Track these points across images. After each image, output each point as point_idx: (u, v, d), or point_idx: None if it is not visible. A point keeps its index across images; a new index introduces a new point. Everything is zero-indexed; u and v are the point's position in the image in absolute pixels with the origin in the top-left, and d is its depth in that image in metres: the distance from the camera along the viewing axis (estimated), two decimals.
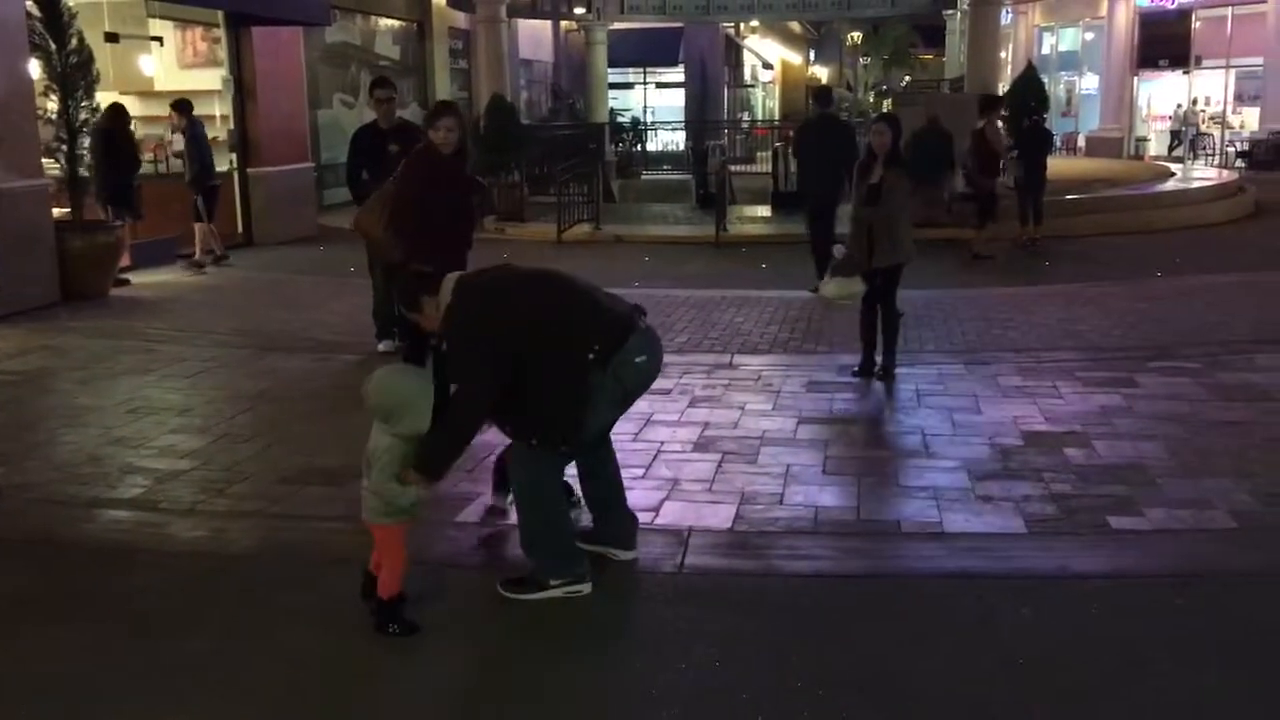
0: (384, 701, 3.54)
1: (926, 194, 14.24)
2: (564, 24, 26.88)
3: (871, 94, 38.21)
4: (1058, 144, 24.60)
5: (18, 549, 4.76)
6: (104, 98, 11.22)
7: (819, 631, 3.92)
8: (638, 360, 4.10)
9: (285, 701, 3.55)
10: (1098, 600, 4.12)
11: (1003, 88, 17.98)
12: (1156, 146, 28.85)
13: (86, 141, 10.58)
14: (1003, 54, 24.94)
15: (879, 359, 7.30)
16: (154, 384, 7.39)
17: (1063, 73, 31.38)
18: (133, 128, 11.99)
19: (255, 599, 4.24)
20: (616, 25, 24.65)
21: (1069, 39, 31.93)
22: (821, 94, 12.74)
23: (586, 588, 4.20)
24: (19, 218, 9.84)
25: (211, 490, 5.36)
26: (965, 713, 3.43)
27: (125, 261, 11.39)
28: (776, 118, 37.49)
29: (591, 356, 3.95)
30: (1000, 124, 14.07)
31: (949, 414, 6.45)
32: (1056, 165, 14.93)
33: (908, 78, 38.54)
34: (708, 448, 5.88)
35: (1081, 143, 29.16)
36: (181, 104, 12.44)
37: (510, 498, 4.69)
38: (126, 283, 11.23)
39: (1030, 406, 6.54)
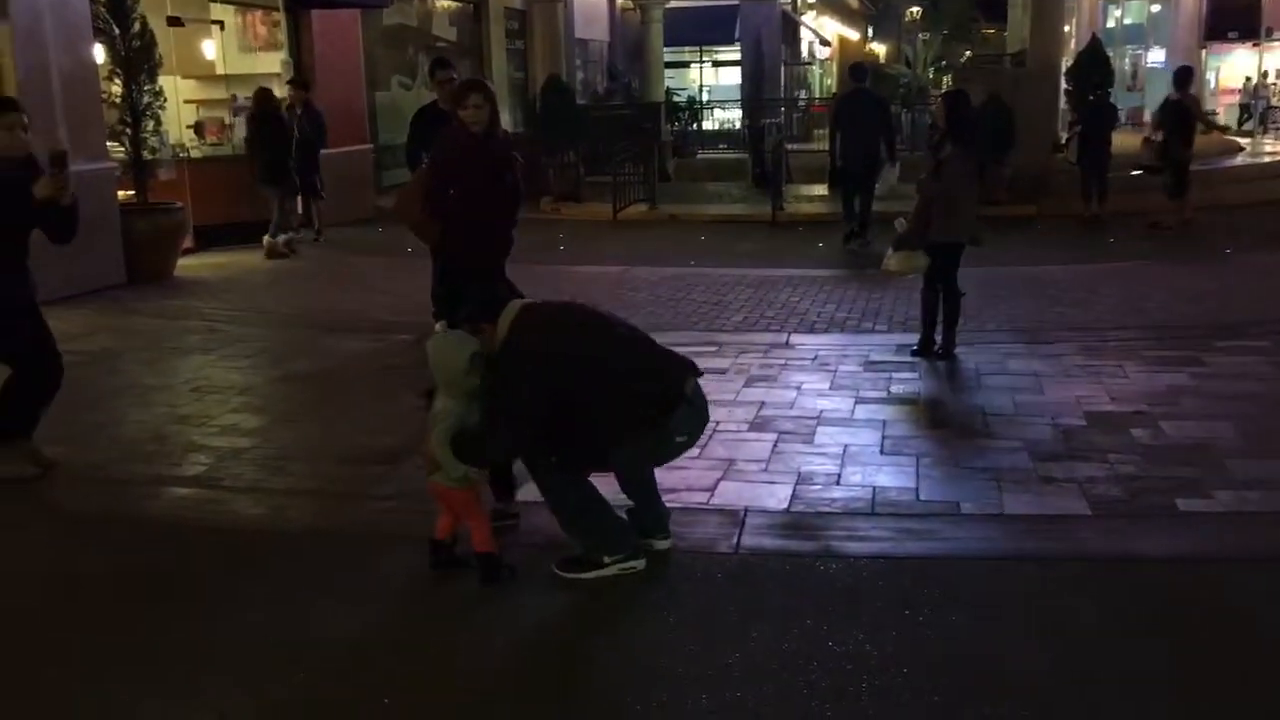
0: (434, 679, 3.55)
1: (986, 171, 14.02)
2: (619, 2, 26.76)
3: (931, 70, 37.61)
4: (1123, 119, 24.07)
5: (83, 526, 4.87)
6: (165, 81, 11.37)
7: (875, 615, 3.87)
8: (677, 440, 4.22)
9: (339, 676, 3.59)
10: (1163, 585, 4.04)
11: (1066, 62, 17.58)
12: (1225, 120, 28.13)
13: (151, 124, 10.76)
14: (1066, 28, 24.36)
15: (939, 338, 7.21)
16: (216, 363, 7.50)
17: (1128, 46, 30.69)
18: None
19: (311, 576, 4.28)
20: (672, 3, 24.45)
21: (1135, 11, 31.23)
22: (856, 69, 13.24)
23: (641, 563, 4.20)
24: (85, 200, 9.92)
25: (271, 468, 5.42)
26: (1023, 697, 3.37)
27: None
28: (834, 95, 37.10)
29: (640, 414, 4.03)
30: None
31: (1010, 394, 6.35)
32: (1122, 141, 14.61)
33: (968, 52, 37.90)
34: (764, 427, 5.84)
35: (1147, 118, 28.46)
36: (302, 81, 12.81)
37: (514, 501, 4.66)
38: (286, 256, 12.00)
39: (1095, 386, 6.41)
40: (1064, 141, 15.76)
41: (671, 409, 4.08)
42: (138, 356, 7.76)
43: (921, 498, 4.90)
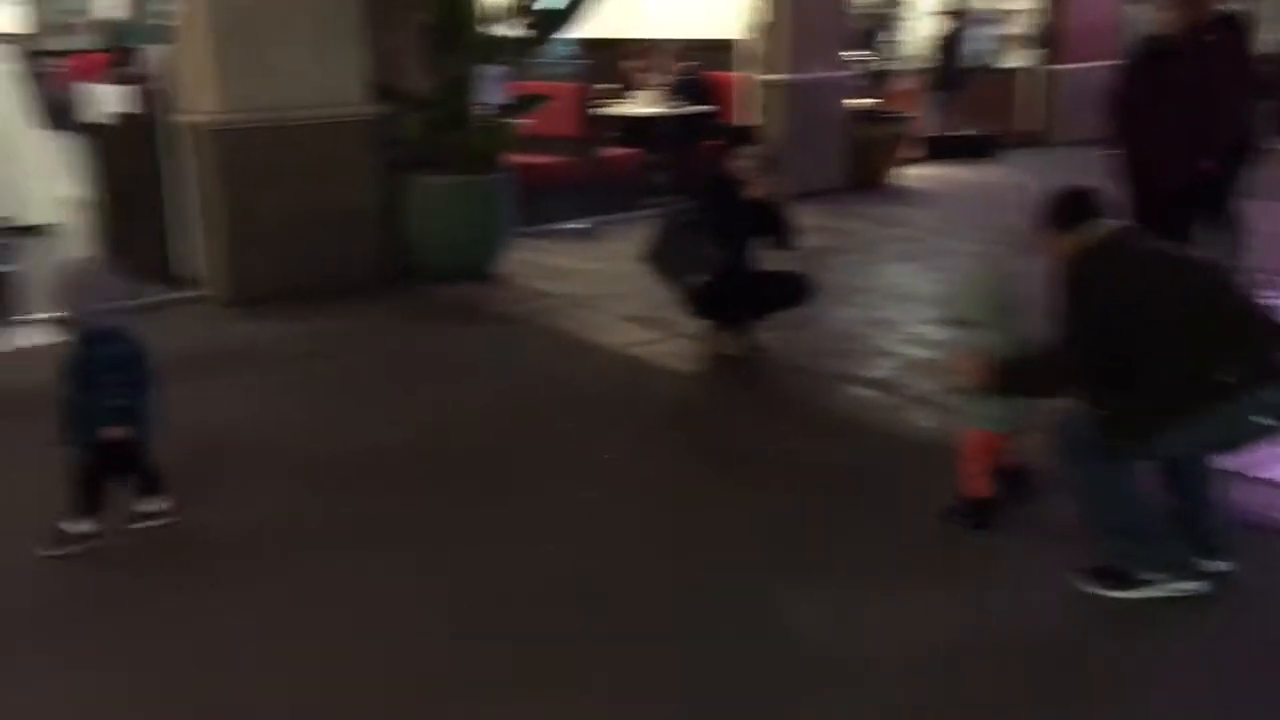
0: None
1: None
2: None
3: None
4: None
5: (772, 412, 5.40)
6: None
7: None
8: (1253, 420, 3.30)
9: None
10: None
11: None
12: None
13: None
14: None
15: None
16: (915, 273, 7.77)
17: None
18: None
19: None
20: None
21: None
22: None
23: (1196, 586, 3.47)
24: (819, 106, 10.74)
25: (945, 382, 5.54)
26: None
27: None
28: None
29: (1210, 378, 3.25)
30: None
31: None
32: None
33: None
34: None
35: None
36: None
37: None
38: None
39: None
40: None
41: (1256, 380, 3.25)
42: (847, 258, 8.27)
43: None
